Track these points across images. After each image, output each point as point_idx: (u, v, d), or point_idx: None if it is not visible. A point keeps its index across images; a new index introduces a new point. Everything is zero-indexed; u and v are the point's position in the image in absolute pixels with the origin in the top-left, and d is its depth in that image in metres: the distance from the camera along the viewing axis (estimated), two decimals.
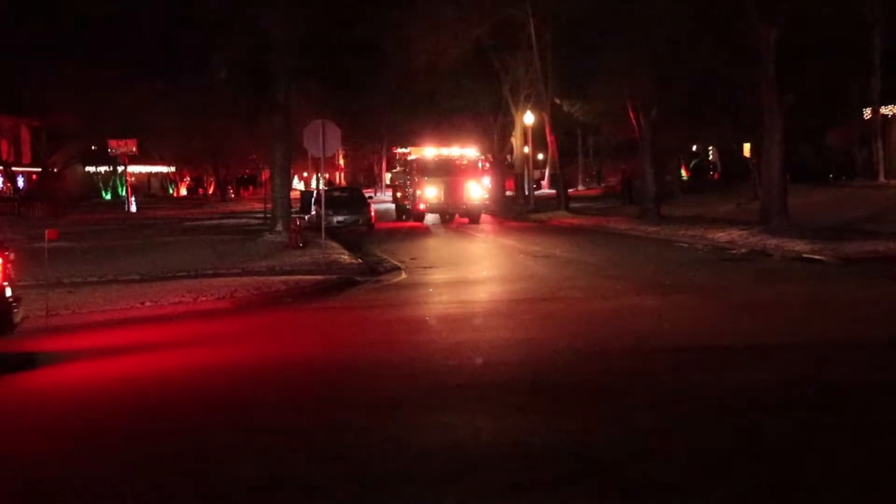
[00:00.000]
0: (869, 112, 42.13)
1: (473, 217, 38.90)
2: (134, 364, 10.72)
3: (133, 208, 55.05)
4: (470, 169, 40.29)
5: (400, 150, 48.34)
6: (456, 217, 39.51)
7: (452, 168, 39.68)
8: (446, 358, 10.32)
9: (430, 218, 40.16)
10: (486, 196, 41.72)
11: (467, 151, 42.04)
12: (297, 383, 9.39)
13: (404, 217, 42.14)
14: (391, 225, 39.65)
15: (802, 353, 10.15)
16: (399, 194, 44.74)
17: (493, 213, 44.06)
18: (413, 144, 47.78)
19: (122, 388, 9.33)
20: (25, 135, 66.56)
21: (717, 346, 10.68)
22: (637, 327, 12.02)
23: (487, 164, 46.78)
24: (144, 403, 8.64)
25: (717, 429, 7.24)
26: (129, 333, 12.98)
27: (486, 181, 43.10)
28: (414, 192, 39.81)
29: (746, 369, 9.42)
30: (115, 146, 56.30)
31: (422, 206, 39.31)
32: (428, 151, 42.18)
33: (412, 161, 42.17)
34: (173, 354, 11.40)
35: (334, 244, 25.62)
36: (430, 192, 38.97)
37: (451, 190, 38.78)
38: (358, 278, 19.33)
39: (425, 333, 12.28)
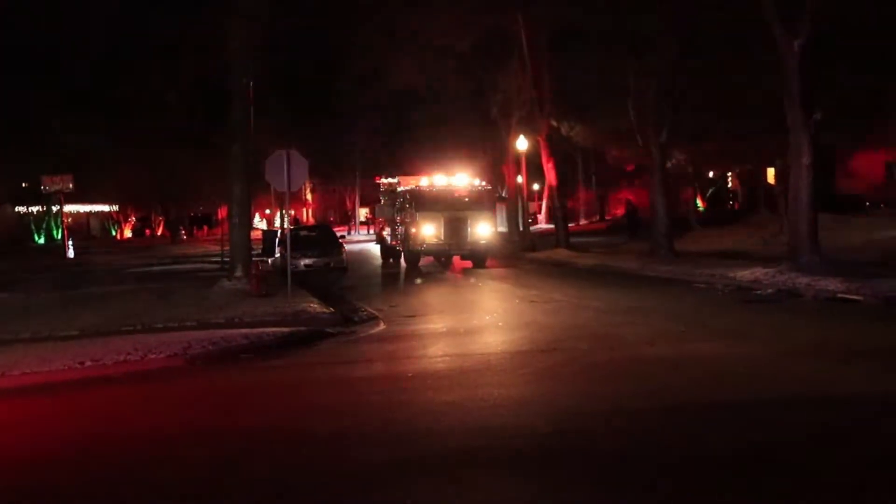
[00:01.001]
0: None
1: (479, 260, 37.11)
2: (41, 439, 10.64)
3: (71, 253, 54.84)
4: (475, 202, 37.71)
5: (385, 180, 44.40)
6: (454, 259, 38.13)
7: (454, 201, 37.34)
8: (437, 421, 10.28)
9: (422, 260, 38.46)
10: (494, 234, 39.01)
11: (471, 181, 39.47)
12: (269, 456, 9.34)
13: (391, 259, 40.81)
14: (373, 268, 39.48)
15: (840, 409, 10.20)
16: (385, 232, 42.37)
17: None
18: (398, 174, 44.88)
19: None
20: None
21: (742, 401, 10.70)
22: (654, 382, 12.04)
23: (494, 196, 43.32)
24: None
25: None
26: (59, 400, 12.93)
27: (494, 216, 40.37)
28: (406, 230, 37.57)
29: (784, 427, 9.46)
30: (49, 183, 56.06)
31: (415, 247, 36.88)
32: (423, 181, 39.33)
33: (403, 193, 39.33)
34: (103, 424, 11.32)
35: (302, 291, 25.54)
36: (426, 230, 36.41)
37: (453, 227, 36.45)
38: (329, 330, 19.21)
39: (409, 393, 12.20)
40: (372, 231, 77.31)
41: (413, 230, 36.77)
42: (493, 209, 40.09)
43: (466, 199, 37.66)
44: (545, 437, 9.35)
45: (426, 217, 36.41)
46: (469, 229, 36.53)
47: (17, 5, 50.99)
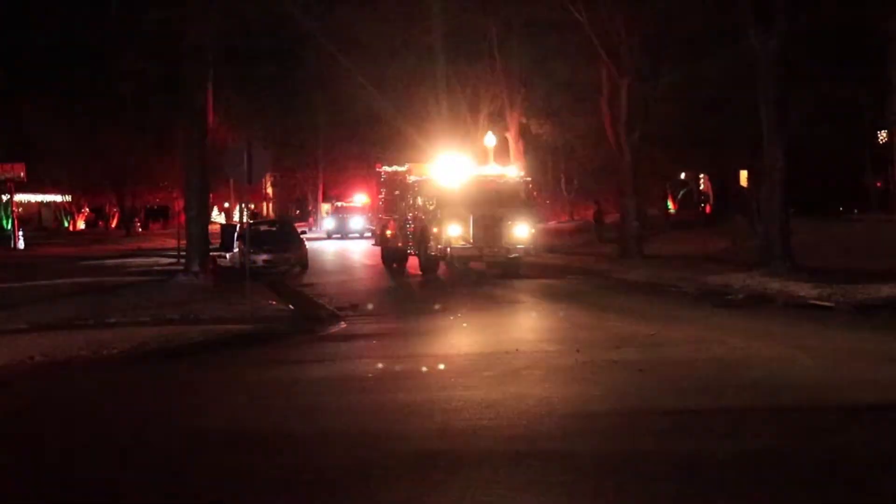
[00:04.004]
0: (884, 135, 42.82)
1: (511, 269, 30.99)
2: None
3: (21, 244, 54.37)
4: (511, 196, 31.64)
5: (390, 169, 37.96)
6: (473, 266, 32.33)
7: (485, 194, 31.30)
8: (396, 423, 10.36)
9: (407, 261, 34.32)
10: (534, 237, 32.47)
11: (506, 169, 33.87)
12: (215, 458, 9.35)
13: (395, 264, 35.12)
14: (351, 268, 38.31)
15: (813, 417, 10.40)
16: (389, 232, 36.11)
17: None
18: (396, 162, 39.26)
19: None
20: None
21: (705, 409, 10.86)
22: (621, 387, 12.12)
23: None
24: None
25: None
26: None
27: (533, 215, 33.64)
28: (422, 230, 31.83)
29: (742, 436, 9.61)
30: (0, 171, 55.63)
31: (435, 251, 31.03)
32: (446, 170, 32.66)
33: (417, 184, 33.27)
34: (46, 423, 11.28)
35: (261, 288, 25.48)
36: (451, 231, 30.55)
37: (485, 228, 30.60)
38: (287, 328, 19.23)
39: (368, 394, 12.20)
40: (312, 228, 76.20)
41: (434, 230, 31.01)
42: (532, 206, 33.72)
43: (500, 193, 31.62)
44: (508, 440, 9.40)
45: (451, 214, 30.70)
46: (505, 230, 30.81)
47: None
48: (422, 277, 31.26)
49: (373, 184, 43.82)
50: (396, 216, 35.15)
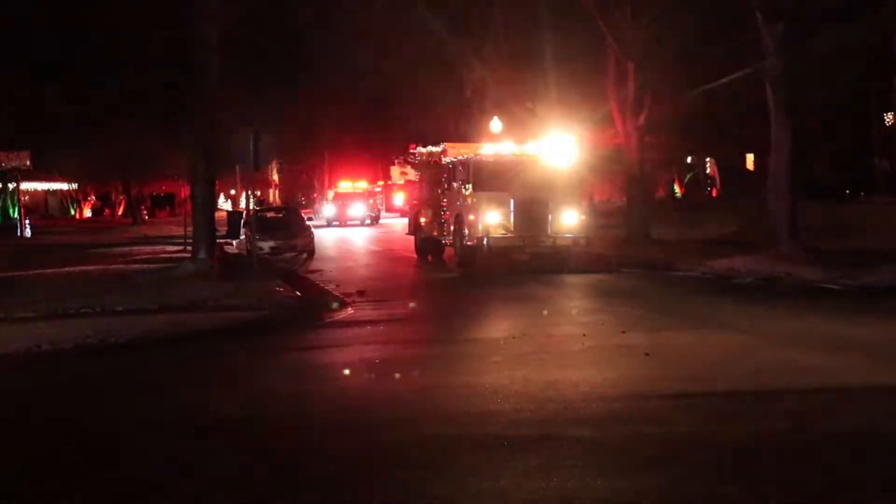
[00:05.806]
0: (891, 118, 42.72)
1: (557, 261, 27.38)
2: None
3: (28, 233, 54.42)
4: (558, 178, 28.52)
5: (424, 149, 34.22)
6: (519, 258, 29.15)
7: (529, 177, 28.18)
8: (408, 407, 10.38)
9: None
10: (587, 224, 28.84)
11: (554, 148, 29.77)
12: (223, 445, 9.38)
13: (430, 256, 32.11)
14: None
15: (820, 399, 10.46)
16: (423, 220, 32.82)
17: None
18: (423, 143, 35.49)
19: None
20: None
21: (706, 392, 10.87)
22: (627, 371, 12.13)
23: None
24: None
25: None
26: None
27: (586, 199, 31.21)
28: (458, 217, 28.73)
29: (751, 419, 9.63)
30: (5, 159, 55.59)
31: (471, 241, 27.73)
32: (484, 149, 30.04)
33: (452, 165, 30.23)
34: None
35: (267, 274, 25.51)
36: (489, 218, 27.27)
37: (528, 214, 27.41)
38: (295, 315, 19.28)
39: (377, 380, 12.24)
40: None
41: (470, 217, 27.93)
42: (583, 189, 30.81)
43: (546, 175, 28.54)
44: (516, 424, 9.44)
45: (488, 199, 27.59)
46: (550, 217, 27.41)
47: None
48: (451, 268, 29.18)
49: (378, 169, 43.62)
50: (431, 202, 32.21)
